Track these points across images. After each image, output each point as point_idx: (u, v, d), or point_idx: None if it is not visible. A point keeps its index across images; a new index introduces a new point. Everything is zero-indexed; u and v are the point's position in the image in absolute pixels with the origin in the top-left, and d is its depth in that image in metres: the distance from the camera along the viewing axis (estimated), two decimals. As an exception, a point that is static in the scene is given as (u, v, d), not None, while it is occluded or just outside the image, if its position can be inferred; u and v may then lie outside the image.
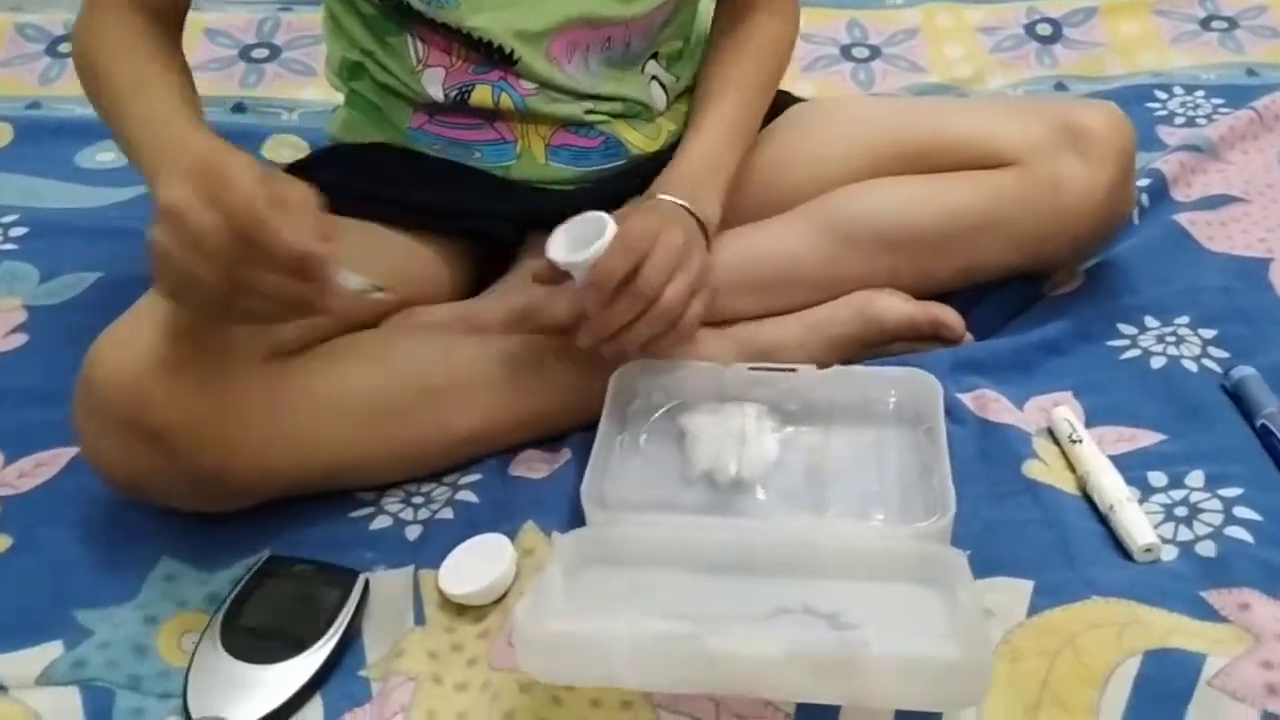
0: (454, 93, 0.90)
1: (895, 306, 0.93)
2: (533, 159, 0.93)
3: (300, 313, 0.66)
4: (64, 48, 1.40)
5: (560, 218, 0.97)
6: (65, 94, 1.32)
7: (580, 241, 0.79)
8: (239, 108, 1.32)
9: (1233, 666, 0.65)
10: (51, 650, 0.69)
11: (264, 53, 1.40)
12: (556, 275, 0.81)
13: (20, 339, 0.96)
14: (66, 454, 0.84)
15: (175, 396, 0.70)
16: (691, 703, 0.66)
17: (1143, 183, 1.09)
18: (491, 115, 0.92)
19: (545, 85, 0.90)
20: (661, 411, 0.83)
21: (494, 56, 0.88)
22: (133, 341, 0.72)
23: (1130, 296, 0.97)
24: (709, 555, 0.71)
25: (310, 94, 1.33)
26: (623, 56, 0.93)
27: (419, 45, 0.89)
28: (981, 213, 0.91)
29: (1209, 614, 0.69)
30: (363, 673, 0.69)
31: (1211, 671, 0.65)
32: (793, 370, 0.83)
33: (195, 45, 1.41)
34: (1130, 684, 0.65)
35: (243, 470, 0.73)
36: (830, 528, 0.73)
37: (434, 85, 0.90)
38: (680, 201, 0.84)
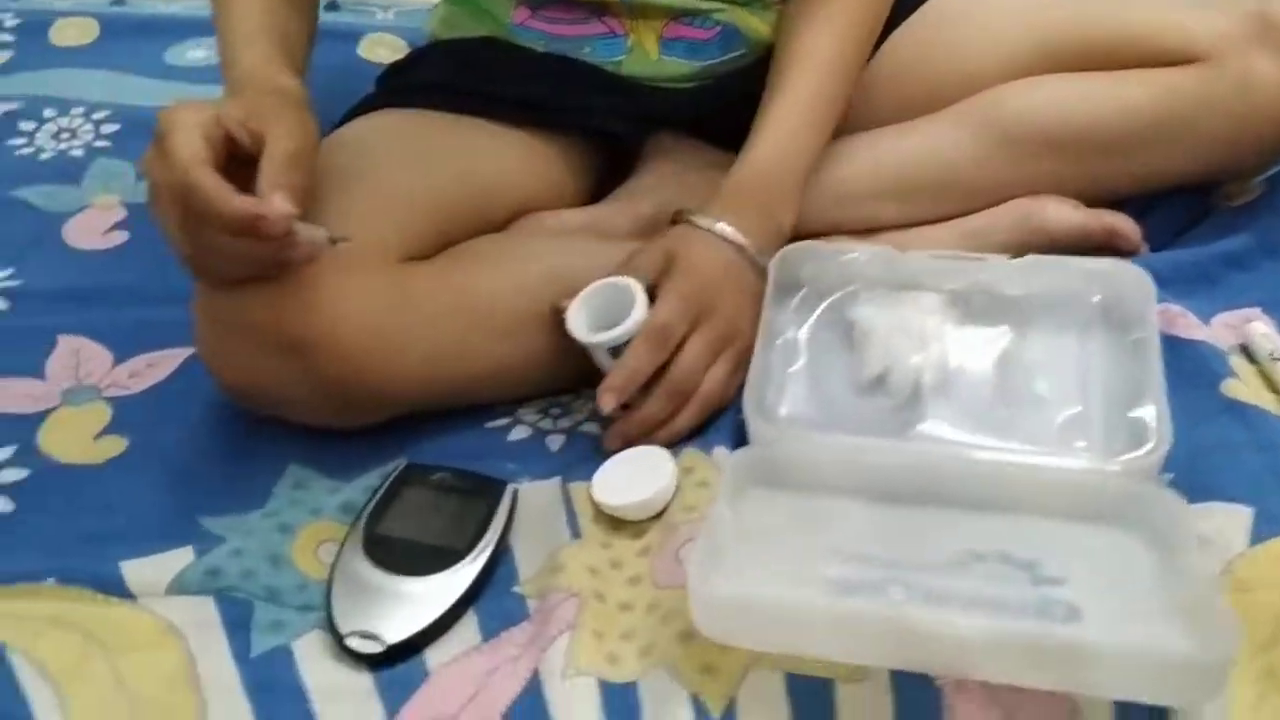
0: None
1: (1064, 214, 0.85)
2: (644, 54, 0.85)
3: (263, 270, 0.64)
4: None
5: (680, 119, 0.90)
6: (153, -11, 1.27)
7: (605, 313, 0.69)
8: (332, 6, 1.25)
9: None
10: (181, 557, 0.63)
11: (352, -56, 1.33)
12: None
13: (121, 236, 0.91)
14: (178, 355, 0.78)
15: (311, 303, 0.64)
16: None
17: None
18: (598, 8, 0.84)
19: None
20: (828, 303, 0.75)
21: None
22: None
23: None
24: (889, 483, 0.64)
25: (409, -11, 1.26)
26: None
27: None
28: (1160, 113, 0.82)
29: None
30: (516, 589, 0.63)
31: None
32: (980, 259, 0.74)
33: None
34: (1382, 619, 0.58)
35: (375, 381, 0.67)
36: (1026, 458, 0.66)
37: None
38: (737, 239, 0.73)
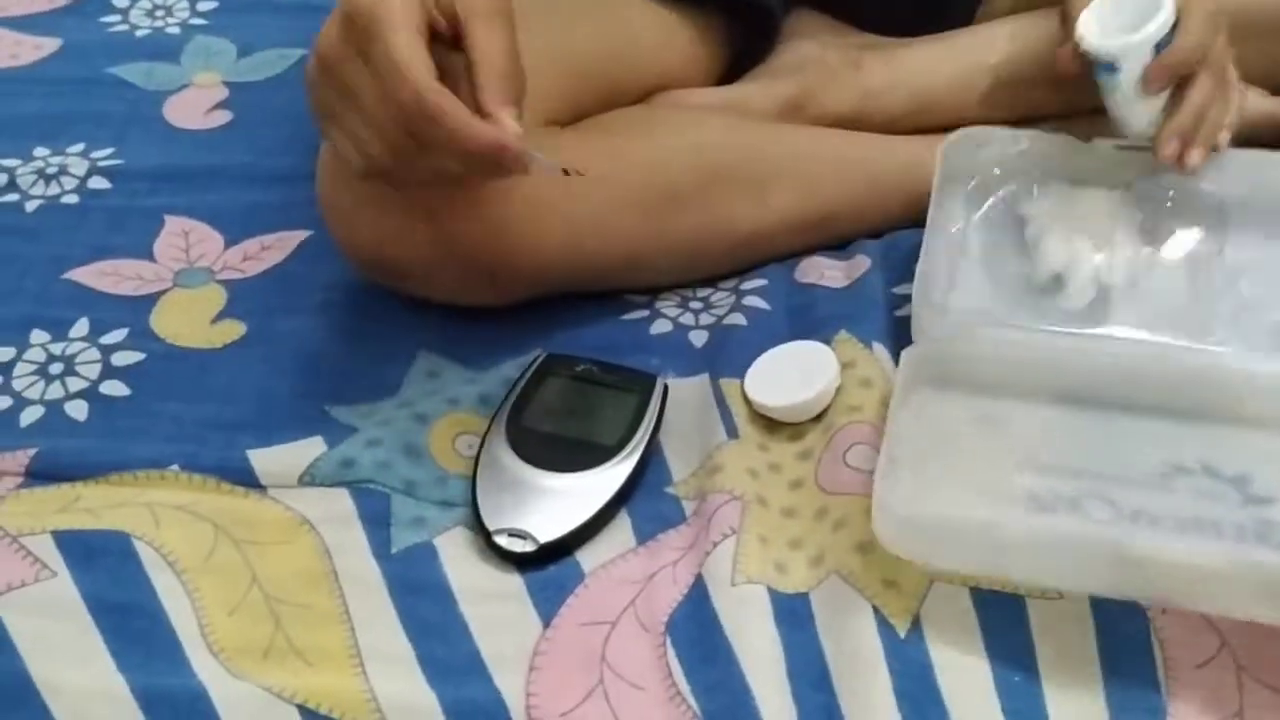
0: None
1: (1254, 102, 0.77)
2: None
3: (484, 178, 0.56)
4: None
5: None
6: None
7: (1115, 23, 0.62)
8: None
9: None
10: (313, 447, 0.59)
11: None
12: (1084, 67, 0.64)
13: (224, 116, 0.86)
14: (294, 238, 0.73)
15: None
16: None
17: None
18: None
19: None
20: (1000, 194, 0.69)
21: None
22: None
23: None
24: (1077, 384, 0.59)
25: None
26: None
27: None
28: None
29: None
30: (669, 489, 0.58)
31: None
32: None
33: None
34: None
35: (513, 251, 0.62)
36: (1237, 358, 0.60)
37: None
38: None
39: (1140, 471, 0.56)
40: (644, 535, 0.56)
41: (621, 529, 0.56)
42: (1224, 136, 0.66)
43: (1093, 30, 0.61)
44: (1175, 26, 0.60)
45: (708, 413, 0.62)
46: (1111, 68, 0.60)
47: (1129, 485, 0.55)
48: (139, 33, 0.95)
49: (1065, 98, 0.80)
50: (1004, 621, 0.52)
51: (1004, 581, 0.52)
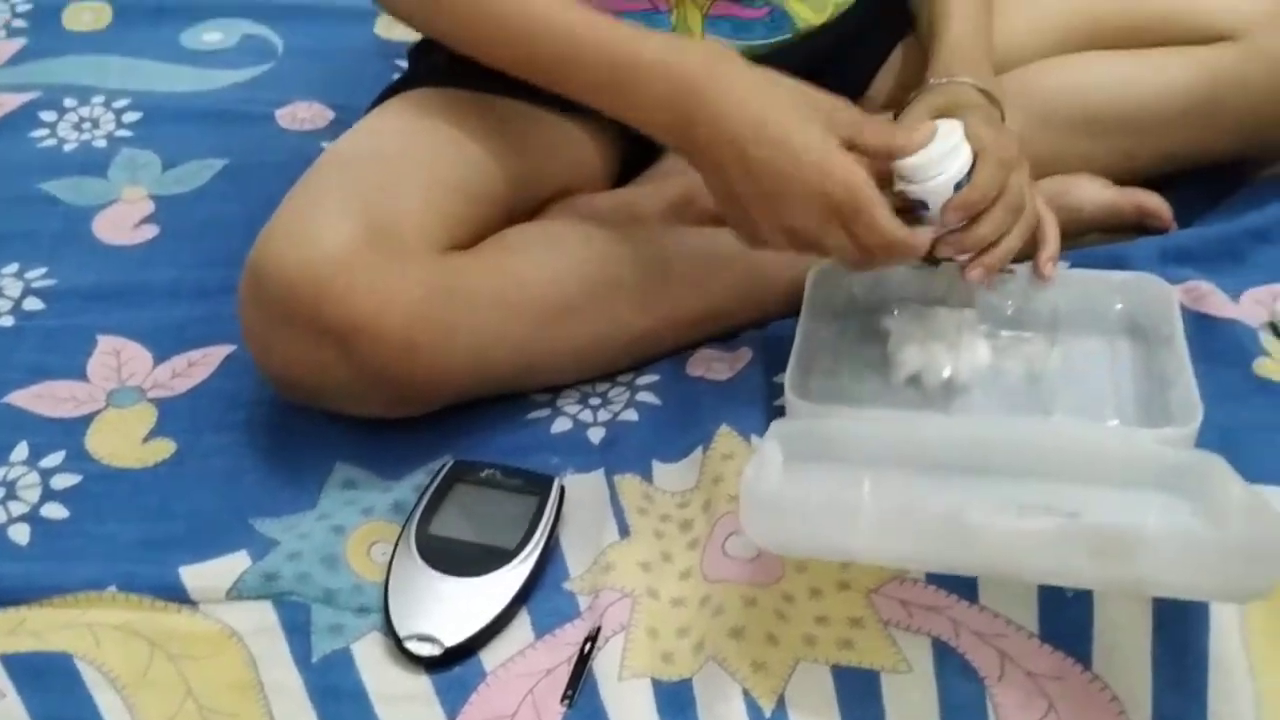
0: None
1: (1095, 193, 0.86)
2: (689, 32, 0.84)
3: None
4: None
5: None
6: (161, -31, 1.26)
7: (938, 150, 0.68)
8: (349, -18, 1.24)
9: None
10: (238, 562, 0.65)
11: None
12: (909, 205, 0.70)
13: (151, 230, 0.91)
14: (217, 353, 0.79)
15: (357, 291, 0.65)
16: (926, 618, 0.61)
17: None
18: None
19: None
20: (864, 314, 0.77)
21: None
22: (308, 235, 0.66)
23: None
24: (933, 453, 0.65)
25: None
26: None
27: None
28: (1196, 94, 0.82)
29: None
30: (567, 585, 0.64)
31: None
32: (1010, 272, 0.75)
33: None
34: None
35: (421, 371, 0.68)
36: (1067, 428, 0.67)
37: None
38: (986, 87, 0.75)
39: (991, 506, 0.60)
40: (542, 630, 0.62)
41: (521, 625, 0.62)
42: (1047, 260, 0.74)
43: (906, 170, 0.68)
44: (973, 168, 0.68)
45: (602, 510, 0.68)
46: (923, 204, 0.68)
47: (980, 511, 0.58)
48: (67, 147, 1.00)
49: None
50: (861, 696, 0.59)
51: (856, 650, 0.59)
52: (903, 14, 0.89)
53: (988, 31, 0.80)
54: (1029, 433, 0.67)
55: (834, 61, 0.89)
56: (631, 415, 0.74)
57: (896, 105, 0.86)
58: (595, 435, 0.74)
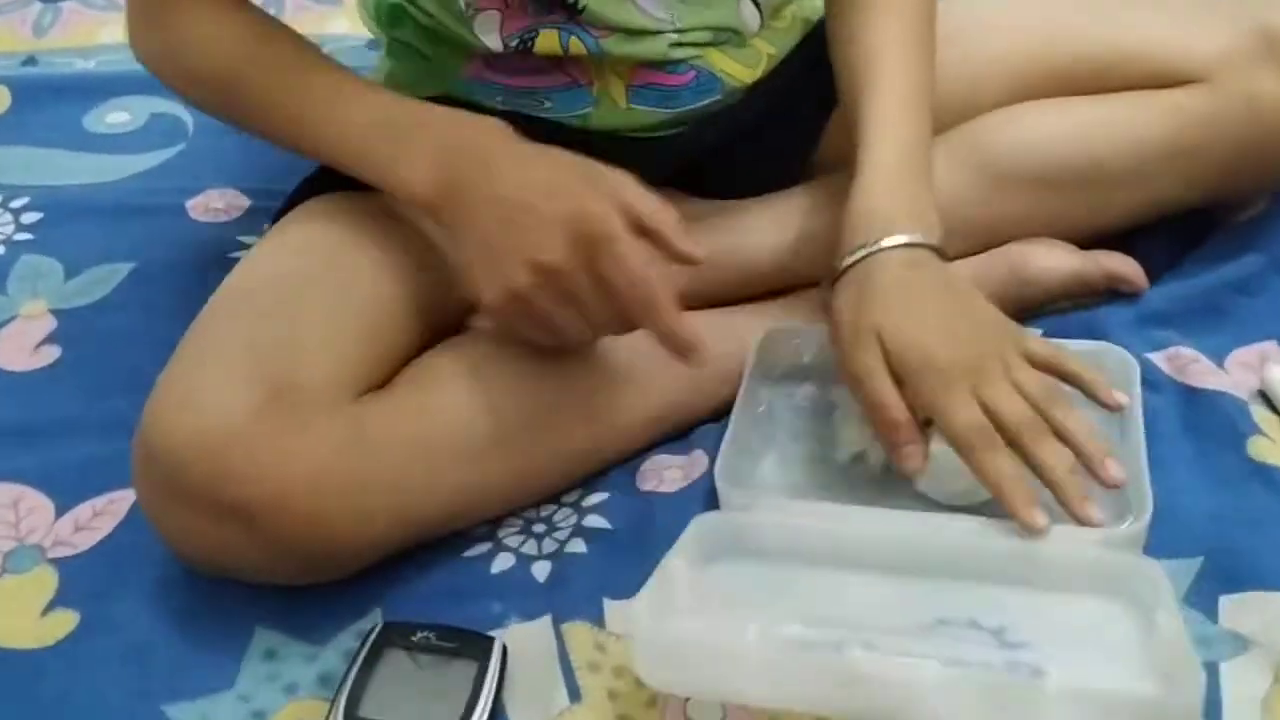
0: (514, 41, 0.74)
1: (1057, 262, 0.80)
2: (613, 104, 0.78)
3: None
4: (52, -12, 1.25)
5: (652, 171, 0.84)
6: (63, 45, 1.19)
7: None
8: (260, 47, 1.17)
9: None
10: (149, 761, 0.58)
11: (273, -16, 1.25)
12: None
13: (52, 353, 0.84)
14: (125, 499, 0.72)
15: (257, 464, 0.59)
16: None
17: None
18: (560, 60, 0.77)
19: (619, 29, 0.75)
20: (809, 384, 0.73)
21: (558, 2, 0.73)
22: (199, 402, 0.60)
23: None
24: (861, 552, 0.62)
25: (338, 26, 1.18)
26: None
27: None
28: (1165, 143, 0.77)
29: None
30: (515, 761, 0.59)
31: None
32: None
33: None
34: None
35: (338, 539, 0.62)
36: (1003, 529, 0.62)
37: (489, 33, 0.74)
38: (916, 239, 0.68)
39: (908, 623, 0.58)
40: (489, 819, 0.56)
41: (461, 818, 0.56)
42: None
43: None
44: None
45: (550, 668, 0.62)
46: None
47: (894, 634, 0.57)
48: (-36, 254, 0.93)
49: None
50: None
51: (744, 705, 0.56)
52: None
53: (924, 144, 0.73)
54: (962, 534, 0.62)
55: (772, 121, 0.83)
56: (579, 546, 0.68)
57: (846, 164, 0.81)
58: (540, 572, 0.67)
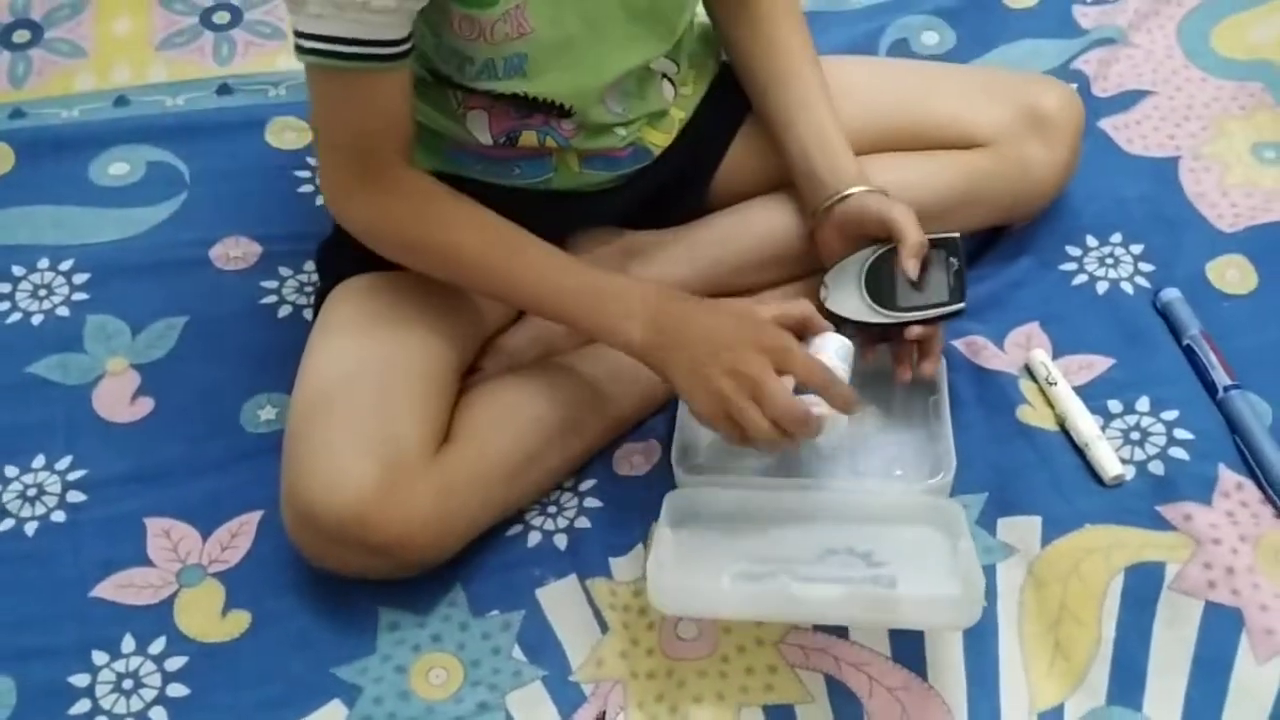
0: (502, 139, 0.99)
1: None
2: (569, 169, 1.03)
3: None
4: (18, 36, 1.38)
5: (599, 219, 1.11)
6: (44, 95, 1.33)
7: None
8: (224, 89, 1.34)
9: (1184, 571, 0.93)
10: (336, 712, 0.89)
11: (225, 16, 1.41)
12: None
13: (148, 404, 1.08)
14: (252, 519, 0.99)
15: (384, 518, 0.87)
16: (818, 658, 0.91)
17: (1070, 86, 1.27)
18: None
19: (590, 127, 1.01)
20: None
21: (543, 107, 0.98)
22: (336, 482, 0.87)
23: (1072, 218, 1.18)
24: (775, 511, 0.95)
25: (288, 63, 1.34)
26: (647, 72, 1.03)
27: (458, 93, 0.97)
28: (965, 191, 1.08)
29: (1164, 525, 0.96)
30: (573, 678, 0.91)
31: (1170, 577, 0.93)
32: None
33: (153, 15, 1.40)
34: (1119, 597, 0.92)
35: (439, 553, 0.92)
36: (864, 487, 0.97)
37: (481, 130, 0.98)
38: (870, 186, 1.01)
39: (810, 554, 0.91)
40: (565, 713, 0.89)
41: (548, 712, 0.89)
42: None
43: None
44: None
45: (584, 610, 0.94)
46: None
47: (801, 564, 0.90)
48: (34, 319, 1.13)
49: (785, 272, 1.12)
50: (784, 722, 0.89)
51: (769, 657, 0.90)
52: (732, 112, 1.11)
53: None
54: (838, 494, 0.96)
55: (686, 168, 1.11)
56: (585, 522, 1.00)
57: (742, 188, 1.10)
58: (561, 542, 0.99)
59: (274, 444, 0.96)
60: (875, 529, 0.93)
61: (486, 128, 0.98)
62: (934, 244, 0.99)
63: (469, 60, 0.92)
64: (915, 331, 0.98)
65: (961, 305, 0.97)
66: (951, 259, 0.99)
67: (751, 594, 0.87)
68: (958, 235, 1.00)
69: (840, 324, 0.97)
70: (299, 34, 0.84)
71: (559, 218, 1.06)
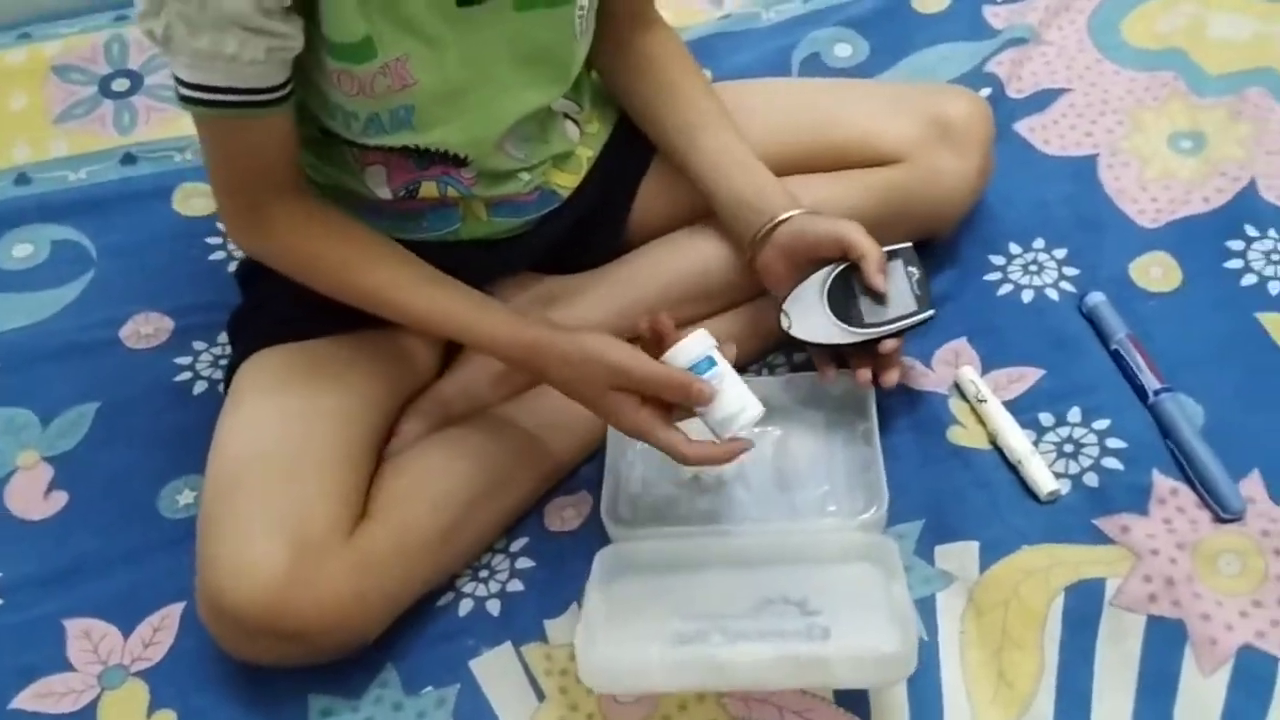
0: (401, 191, 0.97)
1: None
2: (476, 218, 1.01)
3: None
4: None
5: (514, 265, 1.09)
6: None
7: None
8: (128, 159, 1.31)
9: (1124, 585, 0.91)
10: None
11: (124, 84, 1.37)
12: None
13: (62, 498, 1.05)
14: (173, 612, 0.96)
15: (298, 603, 0.84)
16: (760, 708, 0.89)
17: (984, 92, 1.26)
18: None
19: (490, 174, 0.98)
20: None
21: (439, 158, 0.96)
22: (245, 569, 0.85)
23: (994, 225, 1.17)
24: (708, 559, 0.93)
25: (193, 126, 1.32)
26: (548, 114, 1.01)
27: (353, 149, 0.95)
28: (880, 207, 1.06)
29: (1102, 539, 0.94)
30: (512, 747, 0.89)
31: (1111, 593, 0.91)
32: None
33: (48, 88, 1.37)
34: (1060, 619, 0.91)
35: (363, 634, 0.90)
36: (796, 526, 0.95)
37: (380, 185, 0.96)
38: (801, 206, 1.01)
39: (743, 606, 0.89)
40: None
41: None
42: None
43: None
44: None
45: (519, 679, 0.92)
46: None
47: (734, 618, 0.88)
48: (-61, 413, 1.10)
49: (702, 310, 1.09)
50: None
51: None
52: (642, 147, 1.09)
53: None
54: (770, 536, 0.94)
55: (598, 208, 1.09)
56: (518, 585, 0.97)
57: (658, 223, 1.08)
58: (494, 608, 0.96)
59: (193, 530, 0.93)
60: (809, 571, 0.91)
61: (385, 182, 0.96)
62: (889, 256, 0.98)
63: (353, 116, 0.90)
64: (889, 345, 0.97)
65: (931, 312, 0.97)
66: (910, 268, 0.98)
67: (680, 664, 0.84)
68: (910, 245, 1.00)
69: (810, 349, 0.98)
70: (178, 81, 0.84)
71: (473, 268, 1.02)
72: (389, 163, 0.95)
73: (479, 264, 1.03)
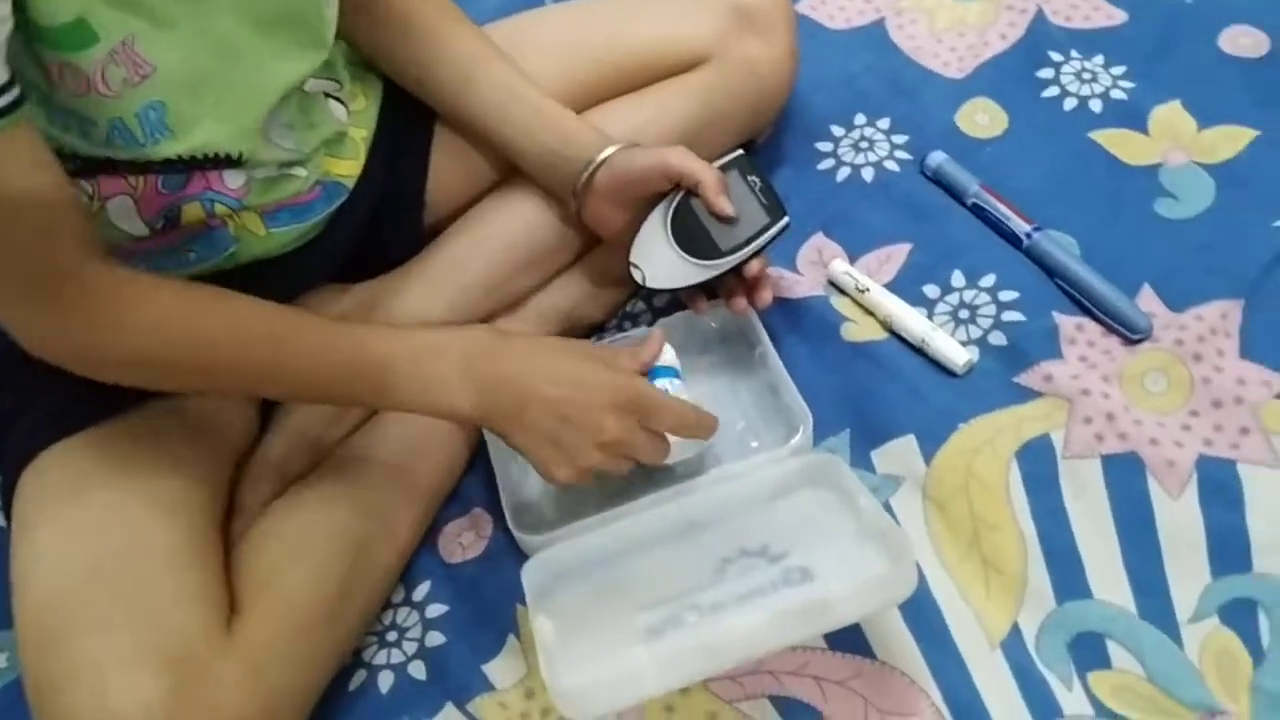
0: (159, 222, 0.79)
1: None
2: (253, 235, 0.85)
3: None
4: None
5: (310, 281, 0.93)
6: None
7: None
8: None
9: (1069, 435, 0.86)
10: None
11: None
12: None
13: None
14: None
15: None
16: (753, 682, 0.78)
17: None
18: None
19: (264, 178, 0.82)
20: None
21: (202, 165, 0.78)
22: (115, 700, 0.67)
23: (810, 113, 1.10)
24: (641, 538, 0.82)
25: None
26: (305, 98, 0.85)
27: (89, 183, 0.76)
28: (701, 113, 0.97)
29: (1029, 394, 0.89)
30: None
31: (1060, 446, 0.86)
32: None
33: None
34: (1021, 485, 0.85)
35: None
36: (725, 473, 0.85)
37: (129, 219, 0.78)
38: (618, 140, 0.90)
39: (704, 577, 0.78)
40: None
41: None
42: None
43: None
44: None
45: (475, 742, 0.78)
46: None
47: (702, 590, 0.77)
48: None
49: (535, 277, 0.97)
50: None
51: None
52: (421, 116, 0.96)
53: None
54: (704, 490, 0.84)
55: (390, 192, 0.94)
56: (437, 636, 0.83)
57: (462, 197, 0.96)
58: (419, 671, 0.82)
59: (13, 697, 0.74)
60: (757, 515, 0.82)
61: (135, 215, 0.78)
62: (724, 170, 0.88)
63: (91, 124, 0.71)
64: (754, 267, 0.87)
65: (785, 219, 0.87)
66: (750, 178, 0.89)
67: (666, 659, 0.70)
68: (741, 152, 0.90)
69: (672, 294, 0.88)
70: None
71: (263, 293, 0.85)
72: (135, 191, 0.77)
73: (268, 287, 0.86)
